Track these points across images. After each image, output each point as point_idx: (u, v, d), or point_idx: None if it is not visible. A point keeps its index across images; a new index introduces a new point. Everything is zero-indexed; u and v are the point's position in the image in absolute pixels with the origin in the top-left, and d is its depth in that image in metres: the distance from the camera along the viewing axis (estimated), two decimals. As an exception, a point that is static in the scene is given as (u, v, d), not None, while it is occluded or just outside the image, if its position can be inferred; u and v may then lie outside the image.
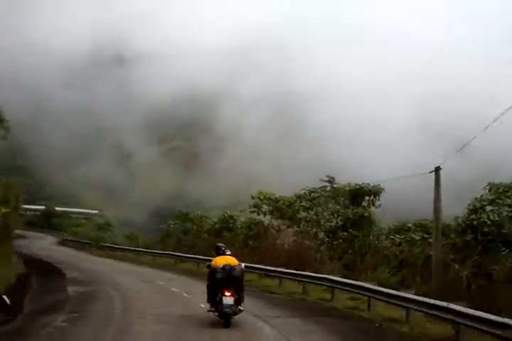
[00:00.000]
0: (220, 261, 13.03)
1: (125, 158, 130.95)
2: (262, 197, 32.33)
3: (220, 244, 14.13)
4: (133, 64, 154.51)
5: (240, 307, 12.68)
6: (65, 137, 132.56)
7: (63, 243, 55.25)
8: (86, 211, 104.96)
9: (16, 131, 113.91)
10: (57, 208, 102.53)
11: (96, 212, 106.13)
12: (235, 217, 37.92)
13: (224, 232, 36.52)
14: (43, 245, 48.09)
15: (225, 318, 12.37)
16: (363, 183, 26.99)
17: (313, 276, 18.78)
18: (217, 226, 37.89)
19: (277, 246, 29.05)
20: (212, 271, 12.91)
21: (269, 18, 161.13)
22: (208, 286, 13.15)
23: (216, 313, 12.66)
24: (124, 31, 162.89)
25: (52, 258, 33.31)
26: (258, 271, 22.75)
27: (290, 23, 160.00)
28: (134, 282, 22.48)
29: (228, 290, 12.41)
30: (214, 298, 12.75)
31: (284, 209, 30.78)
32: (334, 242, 25.88)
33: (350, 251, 24.38)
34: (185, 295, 18.35)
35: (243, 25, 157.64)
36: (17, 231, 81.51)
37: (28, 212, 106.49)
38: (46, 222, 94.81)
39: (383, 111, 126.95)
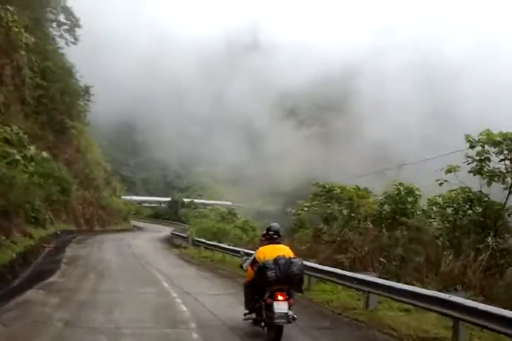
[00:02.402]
0: (269, 252, 8.01)
1: (258, 144, 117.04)
2: (496, 140, 13.68)
3: (275, 225, 8.51)
4: (267, 51, 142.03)
5: (291, 313, 7.66)
6: (200, 126, 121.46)
7: (169, 238, 40.11)
8: (216, 202, 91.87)
9: (149, 123, 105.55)
10: (186, 199, 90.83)
11: (228, 203, 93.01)
12: (415, 191, 19.91)
13: (399, 219, 18.72)
14: (135, 241, 33.16)
15: (275, 330, 7.65)
16: None
17: None
18: (385, 208, 19.89)
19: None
20: (262, 266, 7.70)
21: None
22: (248, 285, 8.37)
23: (262, 323, 7.95)
24: (257, 19, 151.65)
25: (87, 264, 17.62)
26: None
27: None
28: None
29: (281, 292, 7.70)
30: (255, 301, 8.09)
31: None
32: None
33: None
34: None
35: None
36: (134, 223, 71.35)
37: (161, 204, 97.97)
38: (174, 214, 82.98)
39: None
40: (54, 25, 43.81)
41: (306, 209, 22.84)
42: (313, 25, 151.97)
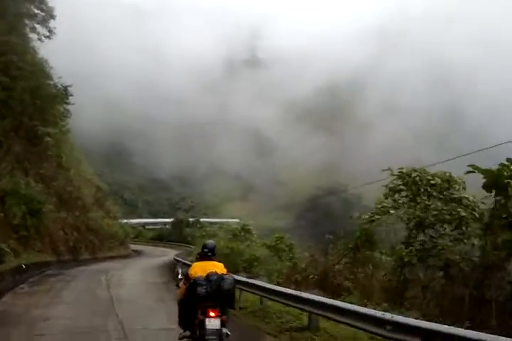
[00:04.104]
0: (201, 268, 7.65)
1: (265, 156, 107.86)
2: None
3: (210, 242, 8.30)
4: (268, 64, 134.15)
5: (225, 330, 7.35)
6: (203, 141, 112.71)
7: (172, 264, 30.49)
8: (223, 220, 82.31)
9: (148, 144, 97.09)
10: (191, 219, 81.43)
11: (235, 220, 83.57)
12: None
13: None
14: (123, 274, 23.63)
15: None
16: None
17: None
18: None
19: None
20: (193, 282, 7.35)
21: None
22: (181, 303, 7.91)
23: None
24: (254, 33, 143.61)
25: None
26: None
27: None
28: None
29: (213, 309, 7.34)
30: (189, 319, 7.61)
31: None
32: None
33: None
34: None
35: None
36: (135, 247, 61.86)
37: (166, 226, 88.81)
38: (178, 235, 73.46)
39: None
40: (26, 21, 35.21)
41: (391, 211, 13.50)
42: (313, 33, 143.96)
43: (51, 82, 35.49)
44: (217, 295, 7.27)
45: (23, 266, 22.58)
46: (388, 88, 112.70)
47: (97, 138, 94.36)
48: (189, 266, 20.37)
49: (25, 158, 31.08)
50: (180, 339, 7.81)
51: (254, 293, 12.49)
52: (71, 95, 35.35)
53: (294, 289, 12.77)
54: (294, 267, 17.46)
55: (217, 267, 7.71)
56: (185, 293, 7.69)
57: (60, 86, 35.12)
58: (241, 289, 12.91)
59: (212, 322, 7.19)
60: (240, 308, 12.00)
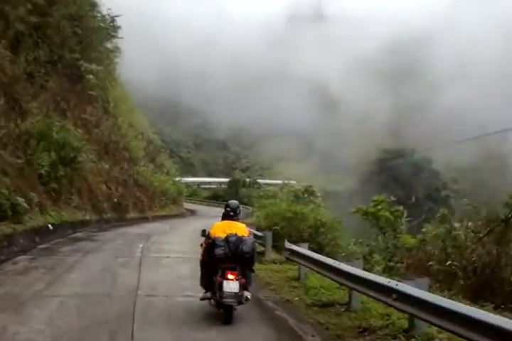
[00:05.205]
0: (221, 228, 7.24)
1: (327, 115, 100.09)
2: None
3: (233, 202, 7.84)
4: (333, 20, 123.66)
5: (246, 294, 6.96)
6: (264, 102, 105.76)
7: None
8: (280, 182, 76.95)
9: (207, 102, 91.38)
10: (247, 179, 76.51)
11: (292, 182, 78.05)
12: None
13: None
14: (169, 240, 18.46)
15: (225, 310, 6.82)
16: None
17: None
18: None
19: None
20: (212, 243, 7.02)
21: None
22: (202, 264, 7.45)
23: (213, 302, 7.01)
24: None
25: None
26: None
27: None
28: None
29: (232, 271, 6.94)
30: (210, 281, 7.03)
31: None
32: None
33: None
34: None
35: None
36: (189, 206, 57.31)
37: (221, 185, 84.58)
38: (234, 195, 68.78)
39: None
40: None
41: None
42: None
43: (98, 14, 30.34)
44: (235, 257, 6.88)
45: (50, 227, 17.77)
46: (458, 49, 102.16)
47: (152, 93, 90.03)
48: (260, 237, 14.89)
49: (63, 97, 26.14)
50: (201, 300, 7.26)
51: (396, 308, 6.35)
52: (119, 27, 30.01)
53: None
54: (421, 248, 11.29)
55: (239, 228, 7.31)
56: (204, 254, 7.30)
57: (107, 16, 29.83)
58: (355, 289, 7.23)
59: (231, 285, 6.74)
60: (363, 331, 6.29)
